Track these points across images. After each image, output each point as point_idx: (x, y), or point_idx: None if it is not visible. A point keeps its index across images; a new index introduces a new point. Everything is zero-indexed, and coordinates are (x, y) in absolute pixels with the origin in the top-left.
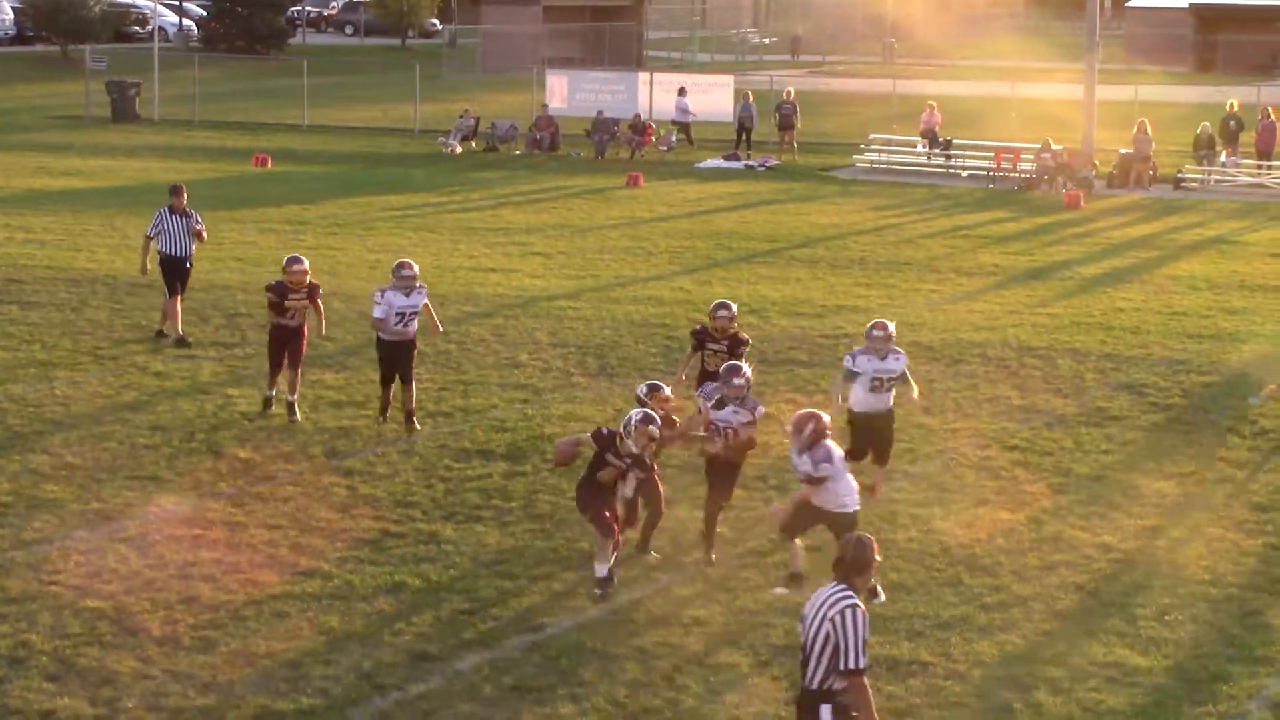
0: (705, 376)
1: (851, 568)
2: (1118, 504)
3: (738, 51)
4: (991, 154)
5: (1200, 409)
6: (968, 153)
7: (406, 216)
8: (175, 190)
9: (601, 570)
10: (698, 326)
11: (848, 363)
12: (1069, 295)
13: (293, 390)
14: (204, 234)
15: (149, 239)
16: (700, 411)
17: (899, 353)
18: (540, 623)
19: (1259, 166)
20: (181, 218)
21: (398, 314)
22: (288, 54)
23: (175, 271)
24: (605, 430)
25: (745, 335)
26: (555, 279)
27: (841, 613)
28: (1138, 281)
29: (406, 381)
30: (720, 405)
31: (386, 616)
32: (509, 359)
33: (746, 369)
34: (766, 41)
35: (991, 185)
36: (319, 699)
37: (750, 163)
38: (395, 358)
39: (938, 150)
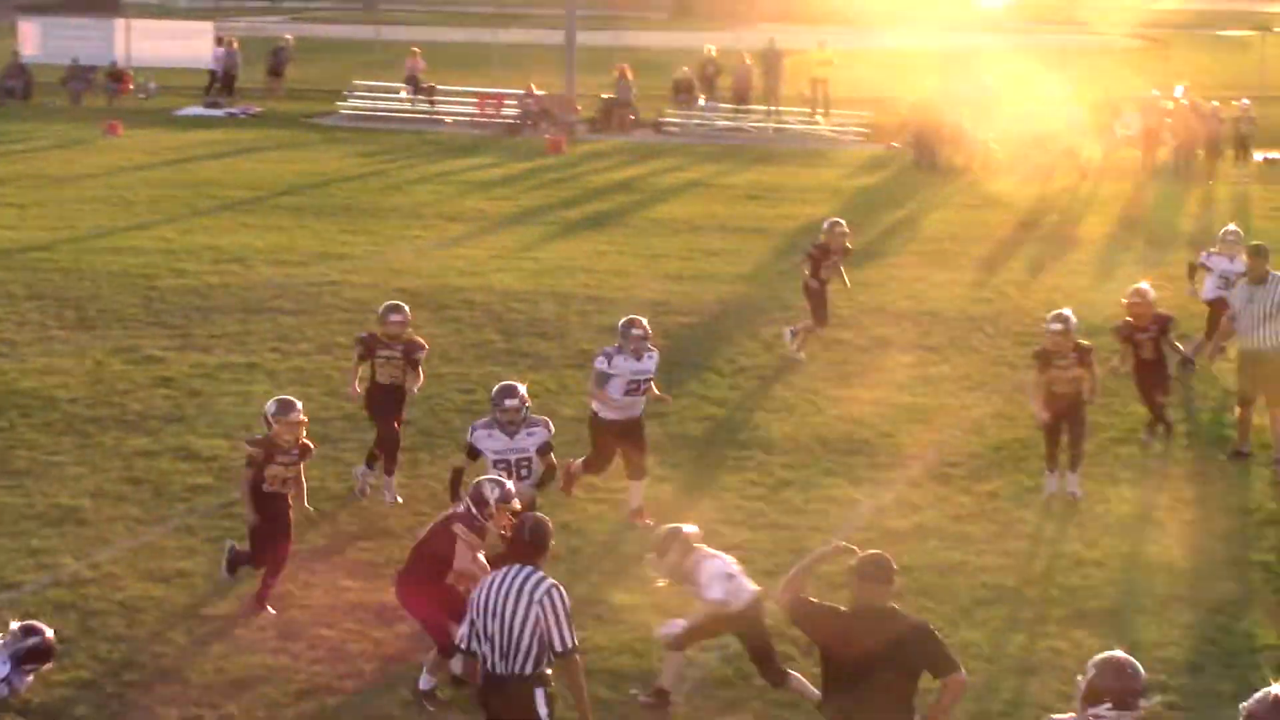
0: (379, 392)
1: (533, 549)
2: None
3: None
4: (475, 100)
5: (680, 349)
6: (452, 99)
7: None
8: None
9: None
10: (364, 334)
11: (599, 364)
12: (552, 239)
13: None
14: None
15: None
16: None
17: (653, 351)
18: (17, 580)
19: (736, 110)
20: None
21: None
22: None
23: None
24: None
25: (421, 339)
26: (30, 230)
27: (549, 593)
28: (620, 224)
29: None
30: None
31: None
32: None
33: (521, 388)
34: None
35: (476, 131)
36: None
37: (232, 110)
38: None
39: (421, 96)
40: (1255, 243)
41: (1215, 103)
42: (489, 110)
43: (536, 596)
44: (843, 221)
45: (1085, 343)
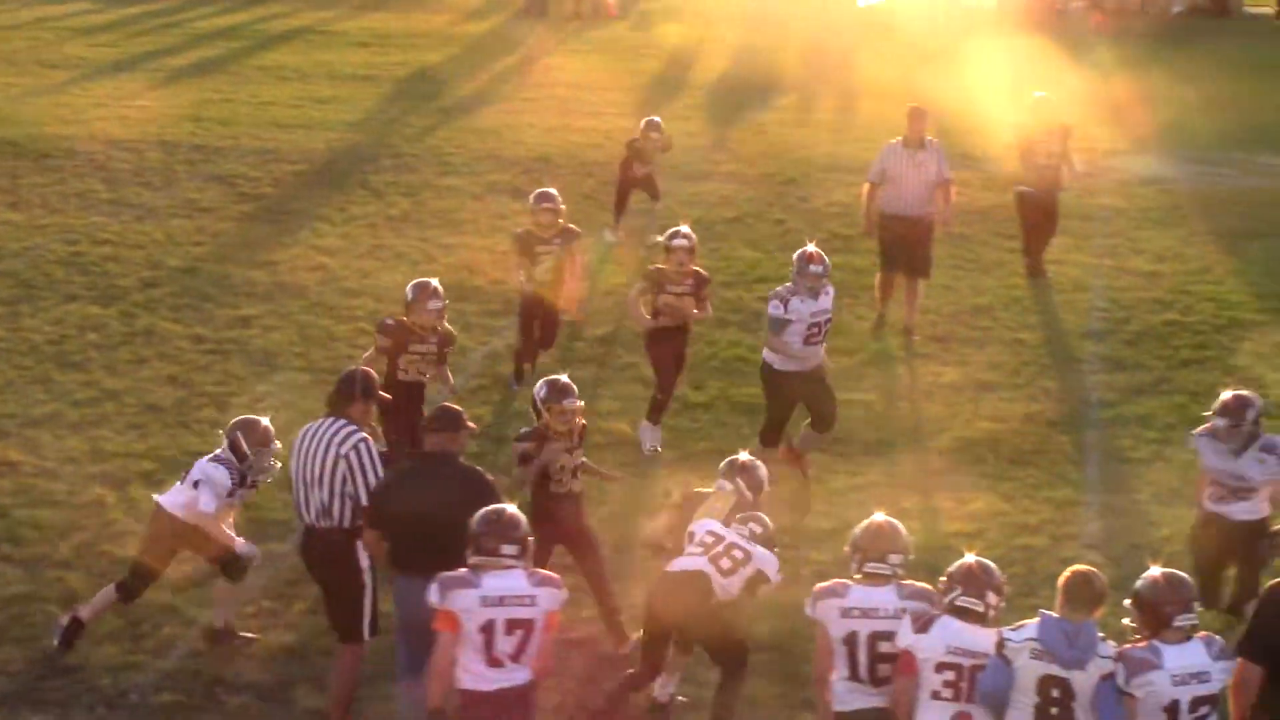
0: (398, 391)
1: (341, 398)
2: (209, 295)
3: None
4: None
5: (289, 198)
6: None
7: None
8: None
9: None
10: (390, 320)
11: (774, 309)
12: (157, 87)
13: None
14: None
15: None
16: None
17: (830, 287)
18: None
19: None
20: None
21: None
22: None
23: None
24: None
25: (453, 330)
26: None
27: (356, 447)
28: (226, 72)
29: None
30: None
31: None
32: None
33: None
34: None
35: None
36: None
37: None
38: None
39: None
40: (914, 104)
41: None
42: None
43: (345, 451)
44: None
45: (703, 271)
